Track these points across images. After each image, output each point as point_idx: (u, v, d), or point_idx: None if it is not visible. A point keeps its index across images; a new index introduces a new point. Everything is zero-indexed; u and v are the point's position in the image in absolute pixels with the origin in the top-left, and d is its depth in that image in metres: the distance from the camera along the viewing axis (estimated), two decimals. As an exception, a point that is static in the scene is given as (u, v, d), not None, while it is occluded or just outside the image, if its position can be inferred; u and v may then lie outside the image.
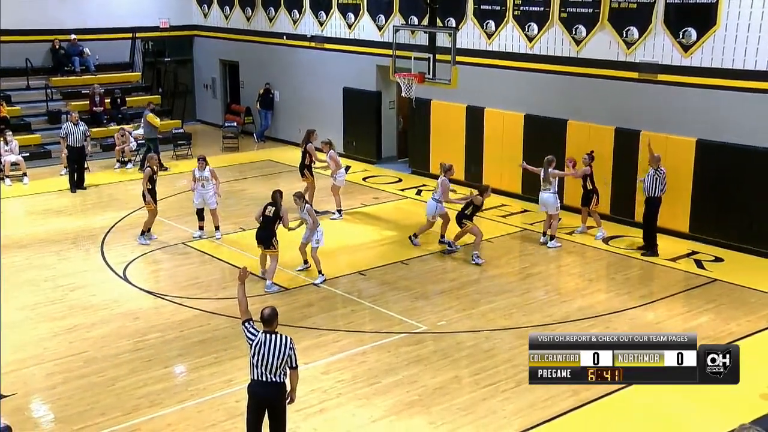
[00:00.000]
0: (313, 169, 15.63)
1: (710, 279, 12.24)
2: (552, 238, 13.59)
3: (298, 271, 12.33)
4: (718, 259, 13.01)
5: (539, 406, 8.44)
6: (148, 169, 13.73)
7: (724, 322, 10.66)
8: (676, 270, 12.62)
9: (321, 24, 20.55)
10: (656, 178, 12.88)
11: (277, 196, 11.74)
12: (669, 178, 13.09)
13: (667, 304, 11.26)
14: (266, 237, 11.67)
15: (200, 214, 14.05)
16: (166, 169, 18.66)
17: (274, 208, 11.63)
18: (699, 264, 12.86)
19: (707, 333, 10.25)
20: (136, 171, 19.07)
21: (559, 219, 13.81)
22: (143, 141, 19.23)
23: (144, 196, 13.64)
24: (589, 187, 13.86)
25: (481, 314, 10.90)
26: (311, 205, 12.44)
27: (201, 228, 14.09)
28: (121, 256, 13.15)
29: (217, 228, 14.09)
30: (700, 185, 13.62)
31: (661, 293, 11.68)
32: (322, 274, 12.02)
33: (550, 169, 13.50)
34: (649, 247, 13.20)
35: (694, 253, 13.33)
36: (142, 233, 13.76)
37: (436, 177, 17.96)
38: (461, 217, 12.92)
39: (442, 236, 13.53)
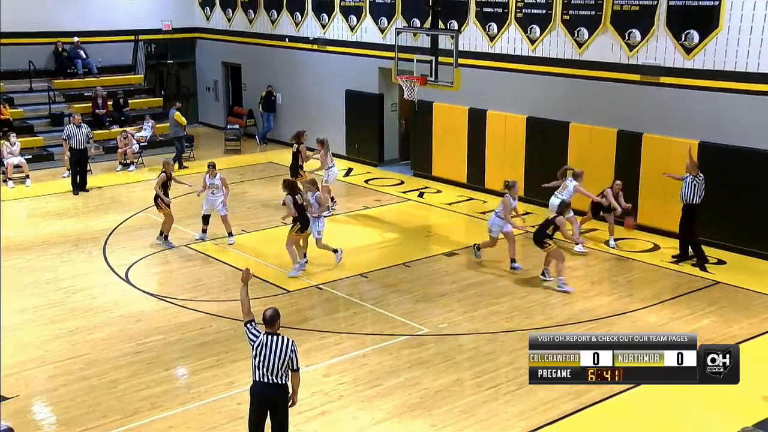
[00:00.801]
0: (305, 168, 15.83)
1: (712, 281, 12.21)
2: (576, 243, 13.25)
3: (338, 263, 12.65)
4: (720, 262, 12.98)
5: (541, 409, 8.42)
6: (163, 174, 13.61)
7: (726, 324, 10.63)
8: (679, 272, 12.60)
9: (323, 26, 20.56)
10: (695, 185, 12.53)
11: (288, 185, 12.16)
12: (671, 180, 13.06)
13: (670, 307, 11.24)
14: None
15: (206, 219, 13.96)
16: (185, 167, 19.12)
17: (295, 195, 12.03)
18: (701, 266, 12.82)
19: (709, 336, 10.22)
20: (138, 173, 19.12)
21: (578, 223, 13.54)
22: (169, 137, 19.95)
23: (156, 199, 13.64)
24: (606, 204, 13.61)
25: (483, 317, 10.89)
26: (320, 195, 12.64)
27: (204, 231, 14.05)
28: (123, 259, 13.15)
29: (230, 234, 13.93)
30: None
31: (664, 296, 11.66)
32: (337, 251, 12.59)
33: (576, 183, 13.44)
34: (698, 257, 12.74)
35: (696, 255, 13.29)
36: (165, 238, 13.70)
37: (438, 179, 18.07)
38: (543, 237, 11.79)
39: (513, 260, 12.61)
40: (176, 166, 18.78)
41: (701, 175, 12.62)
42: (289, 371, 7.06)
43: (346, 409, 8.57)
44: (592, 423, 8.31)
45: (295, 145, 15.80)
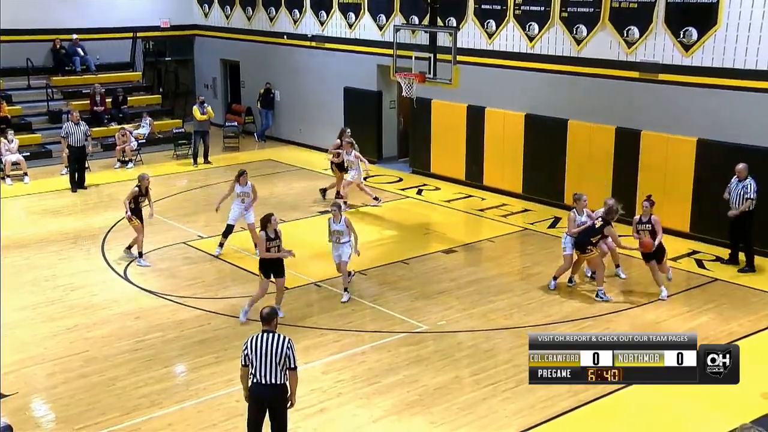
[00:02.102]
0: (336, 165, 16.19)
1: (711, 278, 12.23)
2: (617, 266, 12.34)
3: (344, 302, 11.25)
4: (718, 259, 12.99)
5: (540, 406, 8.43)
6: (136, 188, 12.74)
7: (724, 321, 10.65)
8: (677, 269, 12.59)
9: (322, 24, 20.54)
10: (743, 189, 12.16)
11: (262, 219, 10.43)
12: (670, 177, 13.06)
13: (668, 304, 11.25)
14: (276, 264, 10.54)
15: (230, 230, 13.14)
16: (209, 162, 19.62)
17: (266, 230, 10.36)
18: (700, 263, 12.85)
19: (708, 333, 10.24)
20: (136, 170, 19.11)
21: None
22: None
23: (126, 212, 12.69)
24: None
25: (482, 314, 10.90)
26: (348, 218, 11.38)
27: (221, 245, 13.21)
28: (122, 256, 13.13)
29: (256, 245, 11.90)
30: (700, 185, 13.60)
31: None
32: (347, 291, 11.32)
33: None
34: (748, 264, 12.47)
35: (694, 252, 13.32)
36: (140, 254, 12.79)
37: (436, 177, 18.07)
38: (586, 244, 11.23)
39: (617, 266, 12.26)
40: (202, 160, 19.54)
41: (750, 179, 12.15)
42: (287, 370, 7.04)
43: (345, 406, 8.57)
44: (590, 420, 8.32)
45: (342, 142, 15.93)
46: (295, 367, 7.10)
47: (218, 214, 13.84)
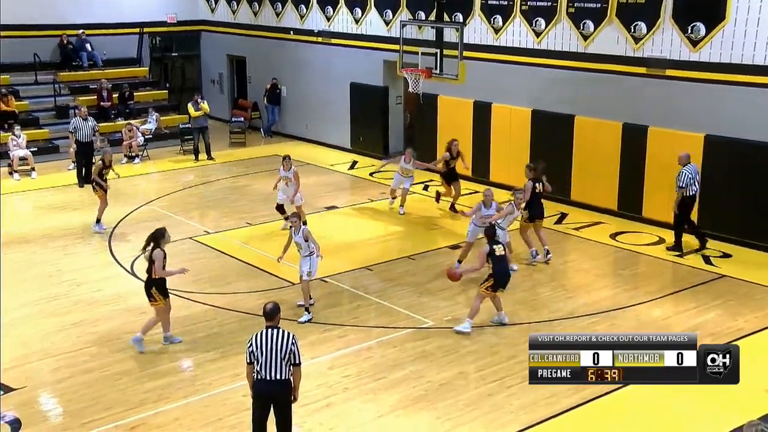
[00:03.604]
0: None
1: (718, 275, 12.18)
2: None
3: (301, 322, 10.42)
4: (725, 255, 12.95)
5: (545, 402, 8.43)
6: (100, 162, 14.17)
7: (731, 318, 10.61)
8: (683, 266, 12.57)
9: (328, 19, 20.52)
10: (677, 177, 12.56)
11: (155, 235, 9.70)
12: (677, 173, 13.00)
13: (674, 301, 11.22)
14: (148, 288, 9.69)
15: (281, 209, 13.96)
16: (212, 159, 19.65)
17: (150, 254, 9.62)
18: (707, 260, 12.80)
19: (714, 329, 10.21)
20: (143, 165, 19.19)
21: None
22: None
23: (93, 184, 14.25)
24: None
25: (487, 310, 10.86)
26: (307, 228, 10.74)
27: (286, 218, 13.15)
28: (128, 251, 13.17)
29: (304, 222, 12.11)
30: (708, 181, 13.53)
31: (668, 289, 11.63)
32: (308, 312, 10.51)
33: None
34: (676, 244, 12.97)
35: (701, 248, 13.26)
36: (97, 220, 14.14)
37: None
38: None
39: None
40: (204, 156, 19.58)
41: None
42: (291, 366, 7.04)
43: (351, 401, 8.58)
44: (596, 416, 8.31)
45: (454, 154, 15.02)
46: (300, 363, 7.11)
47: (224, 211, 13.87)
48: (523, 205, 12.11)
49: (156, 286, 9.61)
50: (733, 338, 9.94)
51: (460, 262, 12.21)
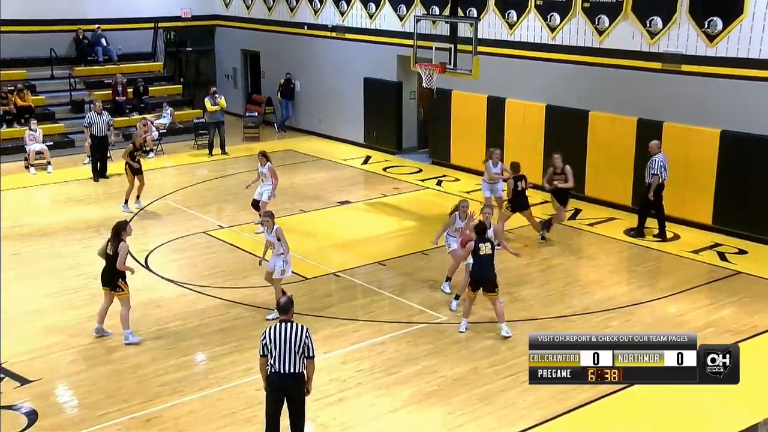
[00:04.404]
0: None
1: (733, 271, 12.11)
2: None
3: (269, 319, 10.30)
4: (741, 252, 12.87)
5: (558, 398, 8.41)
6: (130, 144, 15.10)
7: (747, 314, 10.55)
8: (699, 262, 12.51)
9: (342, 14, 20.52)
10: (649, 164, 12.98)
11: (117, 228, 9.86)
12: (692, 169, 12.96)
13: (690, 297, 11.17)
14: (113, 278, 9.76)
15: (256, 205, 13.82)
16: (226, 153, 19.69)
17: (114, 245, 9.74)
18: (722, 256, 12.73)
19: (730, 326, 10.16)
20: (157, 160, 19.29)
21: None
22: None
23: (125, 166, 15.04)
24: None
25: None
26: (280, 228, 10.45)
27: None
28: (143, 245, 13.24)
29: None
30: (723, 177, 13.47)
31: (684, 285, 11.58)
32: (275, 310, 9.96)
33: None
34: (660, 233, 13.33)
35: (717, 245, 13.19)
36: (126, 201, 15.04)
37: (456, 168, 18.02)
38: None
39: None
40: (219, 150, 19.65)
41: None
42: (305, 359, 7.07)
43: (364, 396, 8.61)
44: (610, 412, 8.29)
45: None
46: (313, 356, 7.14)
47: (239, 205, 13.91)
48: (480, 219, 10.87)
49: (121, 277, 9.75)
50: (748, 335, 9.89)
51: (449, 278, 11.34)
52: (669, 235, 13.43)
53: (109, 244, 9.79)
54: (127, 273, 9.83)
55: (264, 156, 13.79)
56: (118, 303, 9.86)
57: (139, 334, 10.01)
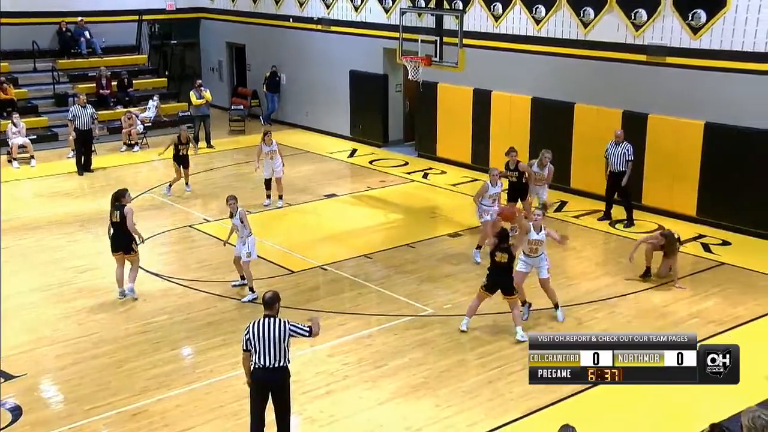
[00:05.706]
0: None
1: (717, 262, 12.22)
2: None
3: (234, 286, 11.12)
4: (725, 243, 12.99)
5: (545, 389, 8.44)
6: (176, 137, 15.75)
7: (731, 305, 10.65)
8: (683, 253, 12.57)
9: (327, 6, 20.45)
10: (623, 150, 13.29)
11: (118, 195, 10.91)
12: (677, 161, 13.05)
13: (674, 288, 11.25)
14: (126, 242, 10.75)
15: (268, 184, 15.01)
16: (212, 147, 19.66)
17: (118, 211, 10.72)
18: (706, 247, 12.84)
19: (714, 317, 10.26)
20: (142, 153, 19.17)
21: None
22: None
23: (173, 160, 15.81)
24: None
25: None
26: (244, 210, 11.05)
27: (268, 197, 15.03)
28: (128, 239, 13.19)
29: (280, 197, 15.01)
30: (708, 169, 13.56)
31: (668, 277, 11.66)
32: (253, 291, 10.72)
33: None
34: (628, 219, 13.73)
35: (701, 236, 13.30)
36: (169, 186, 15.83)
37: (442, 160, 18.05)
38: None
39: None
40: (204, 144, 19.57)
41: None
42: (288, 353, 7.05)
43: (352, 389, 8.63)
44: (597, 402, 8.35)
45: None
46: (310, 330, 7.15)
47: (223, 199, 13.80)
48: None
49: (133, 240, 10.74)
50: (732, 325, 10.00)
51: (479, 247, 12.15)
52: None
53: (112, 211, 10.73)
54: (137, 238, 10.73)
55: (270, 135, 14.79)
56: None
57: (126, 329, 9.99)
